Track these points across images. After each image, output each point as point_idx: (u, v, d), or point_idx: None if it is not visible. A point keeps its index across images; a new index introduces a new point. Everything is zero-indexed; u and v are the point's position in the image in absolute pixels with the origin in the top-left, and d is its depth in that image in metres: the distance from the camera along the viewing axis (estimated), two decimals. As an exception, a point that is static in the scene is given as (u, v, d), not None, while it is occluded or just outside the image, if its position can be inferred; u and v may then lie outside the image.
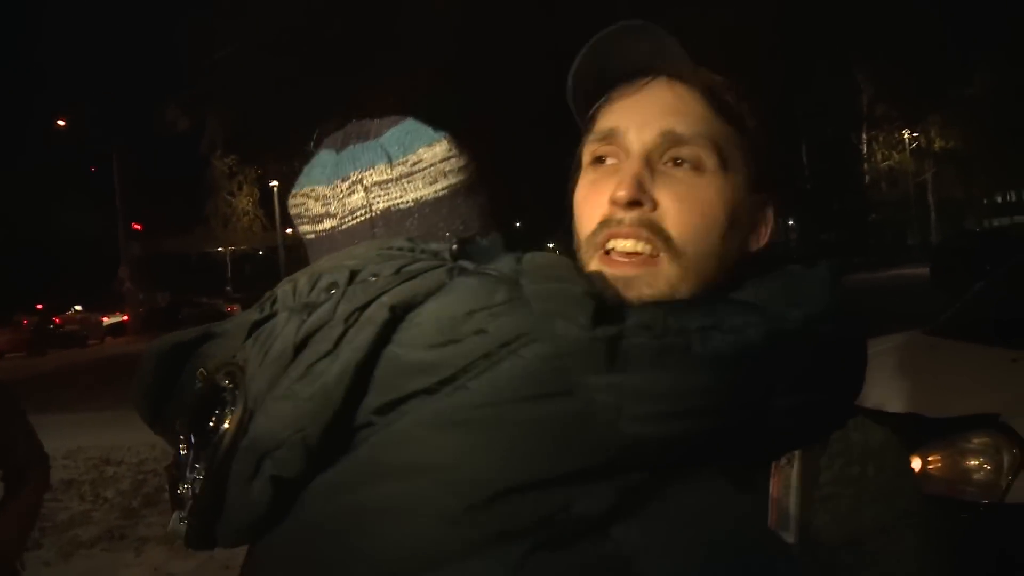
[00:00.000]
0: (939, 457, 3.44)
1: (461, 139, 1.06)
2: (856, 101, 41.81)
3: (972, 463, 3.36)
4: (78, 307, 40.68)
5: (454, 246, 0.86)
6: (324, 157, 1.03)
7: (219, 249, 52.56)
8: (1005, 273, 5.50)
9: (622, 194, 0.80)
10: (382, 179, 0.98)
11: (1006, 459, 3.24)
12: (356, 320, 0.74)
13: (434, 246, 0.86)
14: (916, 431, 3.54)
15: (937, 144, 43.13)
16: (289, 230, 37.52)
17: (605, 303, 0.72)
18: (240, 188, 40.83)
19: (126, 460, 8.39)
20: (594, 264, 0.83)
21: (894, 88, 39.77)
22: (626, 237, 0.81)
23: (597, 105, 0.91)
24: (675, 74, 0.87)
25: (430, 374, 0.70)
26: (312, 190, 1.02)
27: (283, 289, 0.84)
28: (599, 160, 0.87)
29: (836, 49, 37.02)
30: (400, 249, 0.85)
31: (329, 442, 0.70)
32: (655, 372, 0.68)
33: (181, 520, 0.77)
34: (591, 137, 0.89)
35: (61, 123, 41.39)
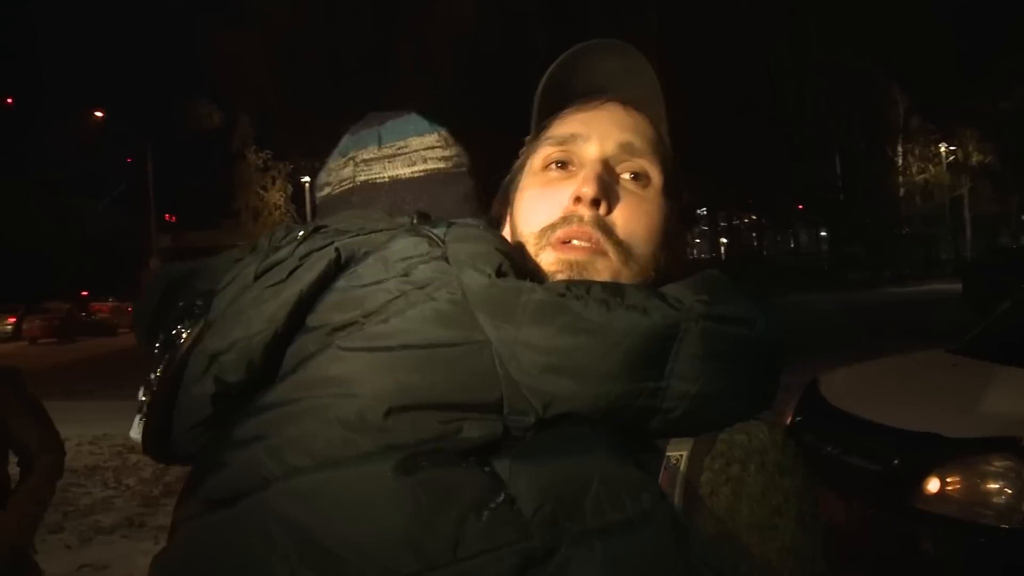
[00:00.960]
0: (958, 479, 3.40)
1: (464, 137, 1.25)
2: (892, 113, 41.34)
3: (992, 486, 3.32)
4: (111, 298, 41.10)
5: (414, 219, 0.98)
6: (343, 141, 1.25)
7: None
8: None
9: (588, 191, 0.88)
10: (369, 157, 1.19)
11: (1026, 483, 3.20)
12: (306, 261, 0.88)
13: (401, 219, 0.98)
14: (935, 451, 3.50)
15: (974, 158, 42.53)
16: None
17: (514, 263, 0.83)
18: (273, 183, 41.04)
19: (150, 450, 8.48)
20: (547, 252, 0.90)
21: (930, 100, 39.30)
22: (582, 237, 0.89)
23: (556, 115, 0.99)
24: (629, 101, 0.97)
25: (358, 309, 0.82)
26: (327, 164, 1.25)
27: (260, 240, 0.97)
28: (558, 164, 0.95)
29: (872, 60, 36.71)
30: (363, 217, 0.98)
31: (268, 360, 0.82)
32: (545, 327, 0.75)
33: (141, 420, 0.90)
34: (547, 141, 0.97)
35: (98, 114, 41.90)
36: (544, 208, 0.92)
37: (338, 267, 0.88)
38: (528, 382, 0.74)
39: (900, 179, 42.41)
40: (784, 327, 0.83)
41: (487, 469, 0.72)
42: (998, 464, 3.30)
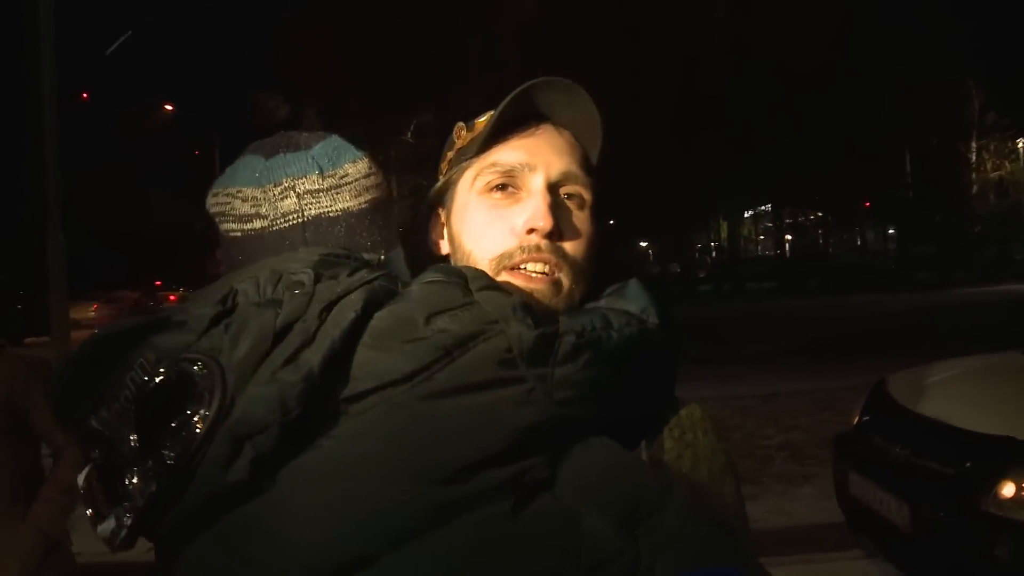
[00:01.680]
0: (1034, 484, 3.29)
1: (376, 159, 1.18)
2: (967, 108, 40.22)
3: (1070, 492, 3.20)
4: (181, 288, 42.23)
5: (381, 256, 1.00)
6: (250, 161, 1.11)
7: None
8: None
9: (544, 224, 0.97)
10: (313, 188, 1.08)
11: (1106, 490, 3.08)
12: (327, 317, 0.84)
13: (364, 256, 0.99)
14: (1010, 455, 3.40)
15: (1053, 155, 41.15)
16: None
17: (538, 310, 0.89)
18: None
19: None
20: (503, 278, 0.98)
21: (1007, 95, 38.09)
22: (539, 261, 0.98)
23: (496, 139, 1.04)
24: (565, 126, 1.05)
25: (399, 368, 0.80)
26: (239, 191, 1.09)
27: (242, 286, 0.90)
28: (500, 188, 1.02)
29: (946, 55, 35.75)
30: (338, 256, 0.96)
31: (306, 427, 0.78)
32: (577, 365, 0.84)
33: (125, 516, 0.80)
34: (492, 168, 1.03)
35: (168, 108, 42.96)
36: (495, 234, 1.00)
37: (364, 322, 0.84)
38: (568, 411, 0.83)
39: (973, 176, 41.23)
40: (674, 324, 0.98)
41: (555, 499, 0.78)
42: (1077, 469, 3.19)
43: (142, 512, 0.79)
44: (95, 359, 0.86)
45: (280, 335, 0.83)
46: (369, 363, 0.81)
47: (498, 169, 1.02)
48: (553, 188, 1.01)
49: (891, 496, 3.79)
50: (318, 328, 0.83)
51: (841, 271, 38.60)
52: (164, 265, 47.22)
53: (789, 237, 51.81)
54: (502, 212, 1.01)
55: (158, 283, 42.52)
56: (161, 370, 0.82)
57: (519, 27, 27.45)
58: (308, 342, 0.81)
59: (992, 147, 41.07)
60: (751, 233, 62.64)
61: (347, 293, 0.86)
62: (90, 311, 32.65)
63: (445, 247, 1.10)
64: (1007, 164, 41.42)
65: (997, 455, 3.44)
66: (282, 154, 1.10)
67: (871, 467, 4.05)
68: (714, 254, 56.03)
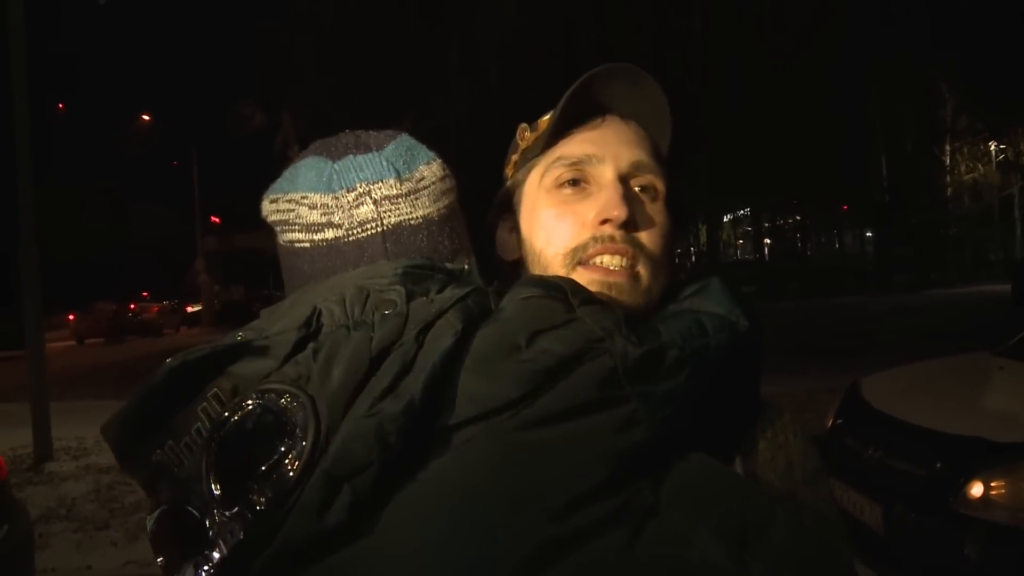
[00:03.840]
0: (1003, 483, 3.34)
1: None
2: (940, 112, 40.59)
3: (1037, 491, 3.25)
4: (166, 301, 41.89)
5: (465, 266, 0.94)
6: (315, 163, 1.01)
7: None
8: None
9: (618, 213, 0.92)
10: (391, 193, 0.98)
11: (1073, 489, 3.13)
12: (424, 340, 0.77)
13: (448, 265, 0.93)
14: (980, 455, 3.44)
15: (1024, 157, 41.60)
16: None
17: (639, 324, 0.84)
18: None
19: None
20: (578, 272, 0.94)
21: (980, 99, 38.51)
22: (615, 253, 0.93)
23: (562, 134, 1.00)
24: (631, 117, 1.01)
25: (502, 395, 0.74)
26: (304, 197, 1.00)
27: (326, 305, 0.83)
28: (571, 183, 0.97)
29: (919, 59, 36.11)
30: (423, 268, 0.89)
31: (406, 462, 0.71)
32: (679, 379, 0.80)
33: (205, 566, 0.73)
34: (560, 162, 0.98)
35: (145, 118, 42.68)
36: (566, 229, 0.96)
37: (464, 344, 0.78)
38: (676, 427, 0.79)
39: (948, 179, 41.63)
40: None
41: (663, 523, 0.73)
42: (1044, 468, 3.24)
43: (227, 562, 0.72)
44: (166, 392, 0.78)
45: (376, 362, 0.76)
46: (470, 389, 0.75)
47: (565, 163, 0.98)
48: (624, 179, 0.96)
49: (865, 498, 3.83)
50: (416, 353, 0.76)
51: (820, 274, 38.85)
52: (146, 276, 46.87)
53: (768, 241, 52.08)
54: (573, 207, 0.96)
55: (145, 294, 42.08)
56: (247, 403, 0.75)
57: (499, 35, 27.48)
58: (407, 369, 0.75)
59: (965, 150, 41.47)
60: (730, 237, 62.89)
61: (443, 313, 0.80)
62: (66, 320, 32.44)
63: (513, 252, 1.05)
64: (980, 167, 41.84)
65: (967, 455, 3.48)
66: (352, 156, 1.00)
67: (845, 469, 4.09)
68: (694, 258, 56.26)
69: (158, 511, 0.78)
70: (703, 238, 46.06)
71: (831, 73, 33.82)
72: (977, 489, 3.33)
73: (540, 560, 0.66)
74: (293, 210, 1.01)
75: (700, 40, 29.22)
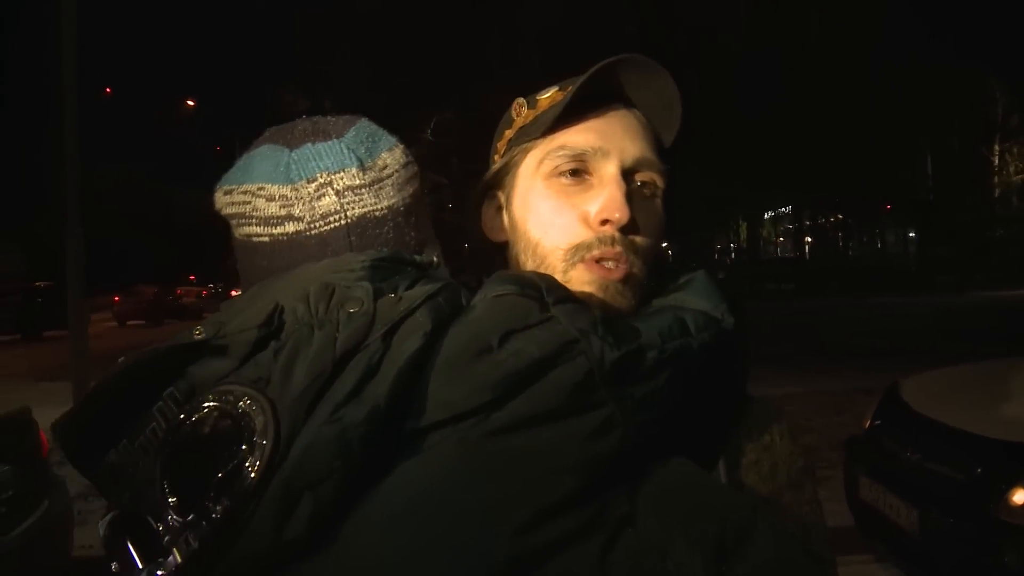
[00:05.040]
0: (1046, 490, 3.27)
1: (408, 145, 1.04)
2: (990, 110, 39.82)
3: (1081, 499, 3.18)
4: (211, 284, 42.32)
5: (435, 258, 0.90)
6: (271, 153, 0.96)
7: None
8: None
9: (619, 216, 0.90)
10: (354, 183, 0.94)
11: (1118, 498, 3.05)
12: (391, 341, 0.74)
13: (416, 258, 0.88)
14: (1019, 461, 3.37)
15: (1078, 158, 40.69)
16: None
17: (617, 323, 0.80)
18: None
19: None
20: (579, 270, 0.91)
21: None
22: (613, 258, 0.90)
23: (565, 121, 0.95)
24: (637, 107, 0.97)
25: (472, 399, 0.71)
26: (261, 188, 0.94)
27: (288, 303, 0.78)
28: (570, 174, 0.93)
29: (970, 56, 35.43)
30: (390, 261, 0.85)
31: (369, 469, 0.68)
32: (659, 382, 0.77)
33: (157, 574, 0.69)
34: (557, 151, 0.94)
35: (190, 103, 43.24)
36: (565, 223, 0.93)
37: (433, 345, 0.75)
38: (654, 431, 0.77)
39: (996, 179, 40.84)
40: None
41: (638, 535, 0.72)
42: (1089, 477, 3.16)
43: (181, 571, 0.68)
44: (119, 392, 0.75)
45: (340, 363, 0.72)
46: (438, 393, 0.72)
47: (567, 153, 0.93)
48: (627, 175, 0.93)
49: (901, 500, 3.77)
50: (383, 355, 0.72)
51: (860, 273, 38.32)
52: (191, 260, 47.51)
53: (809, 239, 51.51)
54: (572, 199, 0.93)
55: (192, 277, 42.56)
56: (204, 405, 0.71)
57: (541, 25, 27.40)
58: (372, 372, 0.71)
59: (1015, 150, 40.65)
60: (771, 235, 62.30)
61: (411, 312, 0.76)
62: (112, 301, 33.02)
63: (500, 234, 1.01)
64: (1030, 167, 40.97)
65: (1010, 461, 3.41)
66: (311, 144, 0.95)
67: (882, 471, 4.03)
68: (734, 255, 55.77)
69: (109, 516, 0.74)
70: (743, 234, 45.68)
71: (875, 69, 33.30)
72: (1020, 496, 3.26)
73: (508, 573, 0.64)
74: (249, 202, 0.95)
75: (740, 33, 28.90)
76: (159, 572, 0.68)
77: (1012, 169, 40.98)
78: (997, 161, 40.60)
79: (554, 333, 0.76)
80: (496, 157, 1.04)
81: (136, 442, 0.73)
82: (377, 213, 0.95)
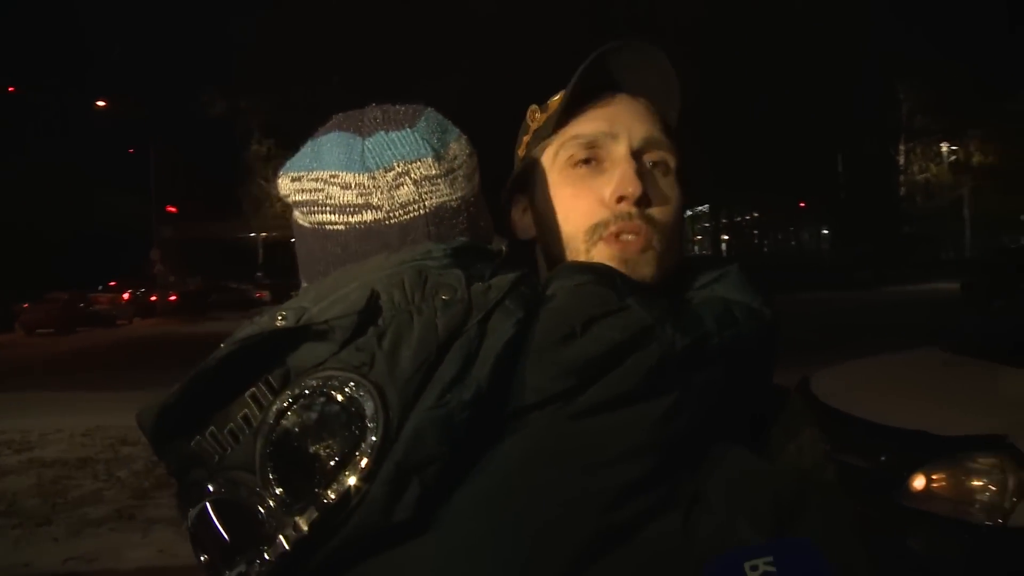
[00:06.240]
0: (944, 476, 3.39)
1: (480, 137, 1.04)
2: (895, 113, 41.32)
3: (977, 483, 3.30)
4: (126, 294, 40.77)
5: (503, 248, 0.92)
6: (342, 140, 0.95)
7: (251, 235, 52.90)
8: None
9: (633, 190, 0.94)
10: (431, 173, 0.93)
11: (1011, 481, 3.19)
12: (486, 328, 0.75)
13: (490, 247, 0.91)
14: (922, 448, 3.49)
15: (976, 159, 42.52)
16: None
17: (683, 312, 0.87)
18: (275, 173, 40.99)
19: (142, 440, 8.23)
20: (599, 248, 0.95)
21: (934, 101, 39.27)
22: (632, 231, 0.94)
23: (573, 112, 1.00)
24: (641, 92, 1.01)
25: (559, 383, 0.75)
26: (334, 175, 0.93)
27: (384, 288, 0.78)
28: (584, 161, 0.98)
29: (876, 62, 36.70)
30: (468, 250, 0.86)
31: (468, 451, 0.71)
32: (718, 368, 0.83)
33: (257, 563, 0.69)
34: (574, 140, 0.99)
35: (101, 104, 41.93)
36: (584, 206, 0.97)
37: (524, 332, 0.77)
38: (704, 419, 0.82)
39: (901, 178, 42.40)
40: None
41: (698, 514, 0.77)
42: (983, 462, 3.29)
43: (287, 557, 0.68)
44: (221, 376, 0.74)
45: (442, 349, 0.73)
46: (529, 377, 0.75)
47: (580, 141, 0.99)
48: (637, 155, 0.97)
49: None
50: (481, 341, 0.74)
51: (777, 270, 39.35)
52: (107, 263, 45.99)
53: (726, 237, 52.63)
54: (589, 184, 0.98)
55: (112, 283, 41.07)
56: (307, 391, 0.72)
57: (470, 29, 27.38)
58: (473, 358, 0.73)
59: (919, 150, 42.29)
60: (689, 234, 63.48)
61: (502, 299, 0.78)
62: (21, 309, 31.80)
63: (528, 231, 1.06)
64: (932, 167, 42.68)
65: (911, 449, 3.53)
66: (383, 132, 0.94)
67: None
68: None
69: (200, 505, 0.73)
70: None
71: (789, 70, 34.22)
72: (919, 482, 3.37)
73: (598, 547, 0.69)
74: (322, 190, 0.94)
75: (670, 33, 29.40)
76: (258, 561, 0.69)
77: (916, 168, 42.59)
78: (903, 161, 42.14)
79: (632, 320, 0.80)
80: (518, 163, 1.10)
81: (225, 428, 0.72)
82: (452, 203, 0.94)
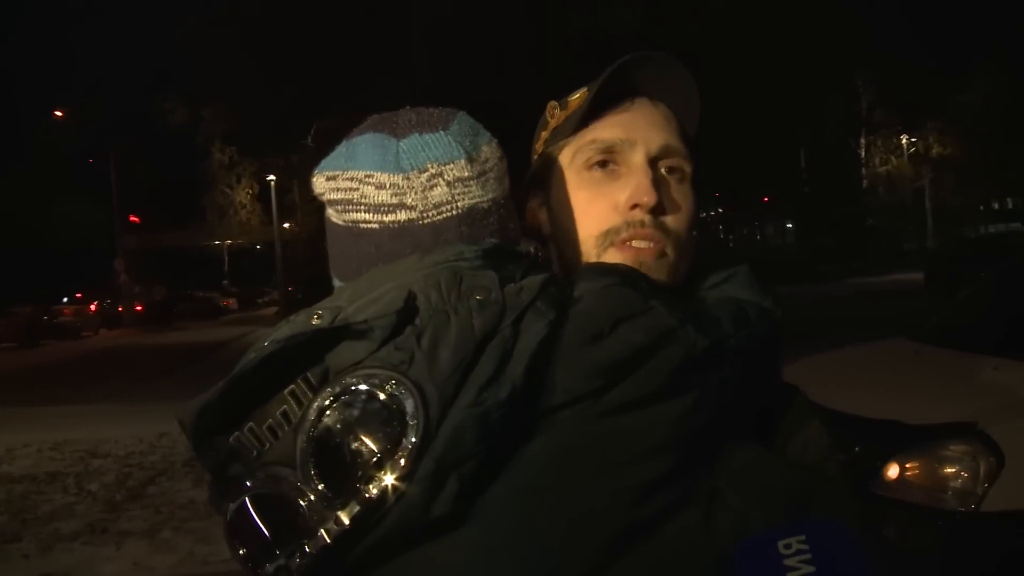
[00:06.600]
0: (917, 464, 3.43)
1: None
2: (855, 106, 41.86)
3: (949, 471, 3.34)
4: (92, 305, 40.06)
5: (532, 249, 0.94)
6: (378, 141, 0.97)
7: (216, 243, 52.42)
8: (990, 280, 5.50)
9: (648, 199, 0.95)
10: (463, 175, 0.95)
11: (983, 467, 3.23)
12: (520, 328, 0.78)
13: (519, 248, 0.93)
14: (895, 438, 3.53)
15: (935, 150, 43.22)
16: (288, 224, 37.35)
17: (702, 313, 0.89)
18: (239, 181, 40.57)
19: (113, 453, 8.36)
20: (611, 252, 0.97)
21: (893, 93, 39.84)
22: (645, 238, 0.96)
23: (593, 117, 1.02)
24: (659, 99, 1.03)
25: (588, 382, 0.78)
26: (369, 175, 0.95)
27: (421, 288, 0.80)
28: (600, 165, 1.00)
29: (836, 55, 37.13)
30: (499, 251, 0.88)
31: (503, 448, 0.74)
32: (735, 368, 0.86)
33: (296, 556, 0.71)
34: (591, 145, 1.01)
35: (58, 114, 41.30)
36: (598, 211, 0.99)
37: (555, 332, 0.79)
38: (720, 416, 0.86)
39: (863, 171, 42.95)
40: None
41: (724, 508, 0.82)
42: (955, 449, 3.33)
43: (328, 550, 0.70)
44: (264, 375, 0.75)
45: (479, 349, 0.75)
46: (559, 377, 0.78)
47: (597, 146, 1.00)
48: (653, 162, 0.99)
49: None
50: (515, 341, 0.77)
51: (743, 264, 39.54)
52: (70, 275, 45.24)
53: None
54: (604, 189, 1.00)
55: (79, 295, 40.33)
56: (350, 389, 0.73)
57: (429, 30, 27.30)
58: (508, 357, 0.75)
59: (880, 143, 42.86)
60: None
61: (533, 300, 0.80)
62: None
63: (544, 228, 1.08)
64: (893, 159, 43.28)
65: (884, 439, 3.57)
66: (417, 134, 0.96)
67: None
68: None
69: (240, 500, 0.74)
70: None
71: (753, 66, 34.54)
72: (893, 471, 3.41)
73: (625, 541, 0.73)
74: (357, 189, 0.96)
75: (632, 32, 29.50)
76: (298, 555, 0.71)
77: (877, 161, 43.17)
78: (864, 154, 42.69)
79: (656, 321, 0.82)
80: (535, 157, 1.12)
81: (264, 425, 0.74)
82: (484, 205, 0.97)
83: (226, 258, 55.56)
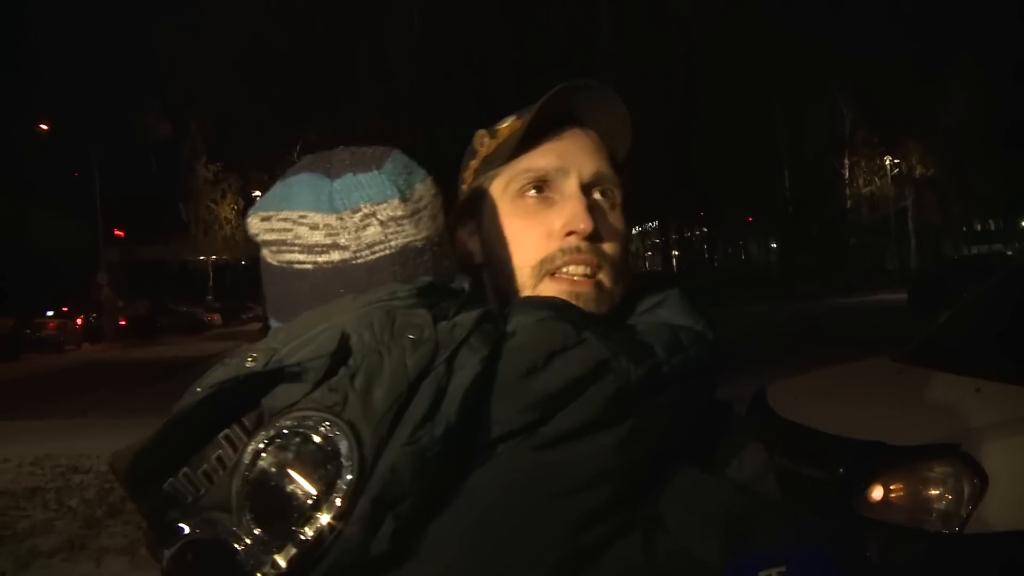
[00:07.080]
0: (901, 486, 3.44)
1: (421, 147, 1.04)
2: (838, 126, 42.20)
3: (933, 492, 3.35)
4: (78, 319, 39.57)
5: (465, 286, 0.93)
6: (312, 181, 0.97)
7: (200, 258, 52.14)
8: (972, 301, 5.53)
9: (584, 226, 0.97)
10: (397, 214, 0.95)
11: (966, 489, 3.24)
12: (454, 366, 0.79)
13: (453, 285, 0.93)
14: (879, 458, 3.53)
15: (918, 171, 43.58)
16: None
17: (635, 343, 0.91)
18: (223, 196, 40.43)
19: (94, 468, 8.25)
20: (546, 284, 0.98)
21: (876, 114, 40.19)
22: (581, 263, 0.98)
23: (525, 146, 1.02)
24: (591, 128, 1.05)
25: (523, 416, 0.80)
26: (303, 216, 0.95)
27: (354, 328, 0.80)
28: (535, 193, 1.01)
29: (819, 75, 37.45)
30: (432, 289, 0.88)
31: (440, 485, 0.76)
32: (670, 394, 0.88)
33: None
34: (522, 174, 1.02)
35: (43, 127, 41.09)
36: (532, 239, 1.00)
37: (489, 368, 0.81)
38: (658, 444, 0.88)
39: (847, 191, 43.26)
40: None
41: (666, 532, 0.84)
42: (939, 470, 3.34)
43: None
44: (198, 420, 0.75)
45: (412, 387, 0.76)
46: (494, 411, 0.79)
47: (532, 175, 1.01)
48: (586, 189, 1.01)
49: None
50: (449, 379, 0.78)
51: (726, 283, 39.77)
52: (52, 288, 44.79)
53: (676, 252, 53.15)
54: (539, 216, 1.01)
55: (65, 308, 39.87)
56: (283, 431, 0.73)
57: (409, 43, 27.38)
58: (442, 395, 0.76)
59: (863, 163, 43.20)
60: (639, 249, 63.99)
61: (467, 337, 0.81)
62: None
63: (476, 258, 1.08)
64: (876, 180, 43.63)
65: (867, 459, 3.58)
66: (351, 174, 0.96)
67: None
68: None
69: (178, 545, 0.74)
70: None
71: (737, 86, 34.80)
72: (877, 492, 3.42)
73: (569, 570, 0.75)
74: (291, 230, 0.96)
75: (608, 45, 29.68)
76: None
77: (861, 181, 43.50)
78: (847, 174, 43.01)
79: (589, 353, 0.84)
80: (463, 187, 1.12)
81: (199, 470, 0.74)
82: (417, 243, 0.97)
83: (210, 273, 55.25)
